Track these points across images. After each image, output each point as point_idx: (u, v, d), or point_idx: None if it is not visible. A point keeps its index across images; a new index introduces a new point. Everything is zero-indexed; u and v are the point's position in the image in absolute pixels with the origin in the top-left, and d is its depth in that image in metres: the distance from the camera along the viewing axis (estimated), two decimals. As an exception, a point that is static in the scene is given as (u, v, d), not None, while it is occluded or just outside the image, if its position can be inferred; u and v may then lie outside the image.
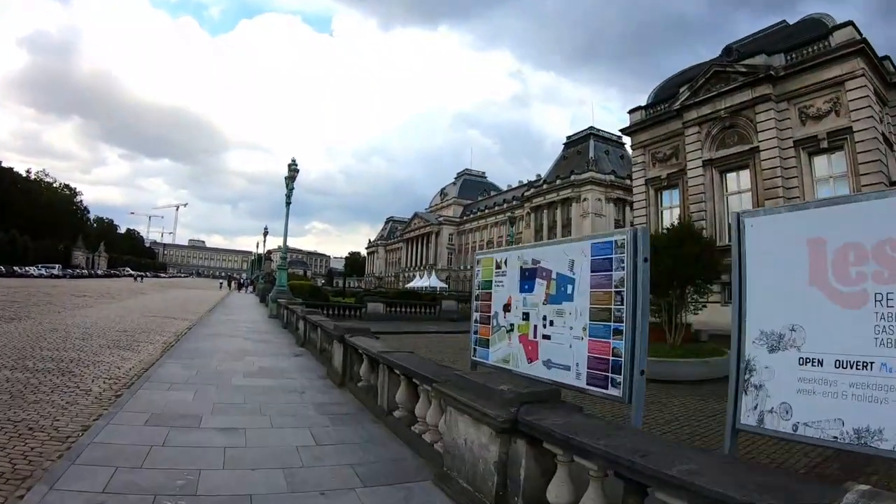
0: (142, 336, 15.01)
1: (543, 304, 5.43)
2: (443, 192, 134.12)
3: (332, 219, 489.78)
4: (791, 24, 33.02)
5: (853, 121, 25.32)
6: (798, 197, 27.30)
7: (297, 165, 25.63)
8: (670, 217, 33.52)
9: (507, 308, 6.12)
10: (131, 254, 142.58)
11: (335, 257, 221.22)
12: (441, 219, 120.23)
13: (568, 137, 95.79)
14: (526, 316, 5.69)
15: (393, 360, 6.94)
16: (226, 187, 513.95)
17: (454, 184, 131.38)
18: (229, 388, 8.97)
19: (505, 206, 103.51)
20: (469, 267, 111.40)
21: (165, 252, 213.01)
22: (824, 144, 26.59)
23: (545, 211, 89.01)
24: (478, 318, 6.81)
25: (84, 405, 7.08)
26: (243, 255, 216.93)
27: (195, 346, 13.46)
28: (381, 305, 27.06)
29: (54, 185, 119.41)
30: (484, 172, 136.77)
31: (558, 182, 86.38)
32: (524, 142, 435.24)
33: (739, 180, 30.00)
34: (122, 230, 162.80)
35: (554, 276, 5.32)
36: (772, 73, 27.66)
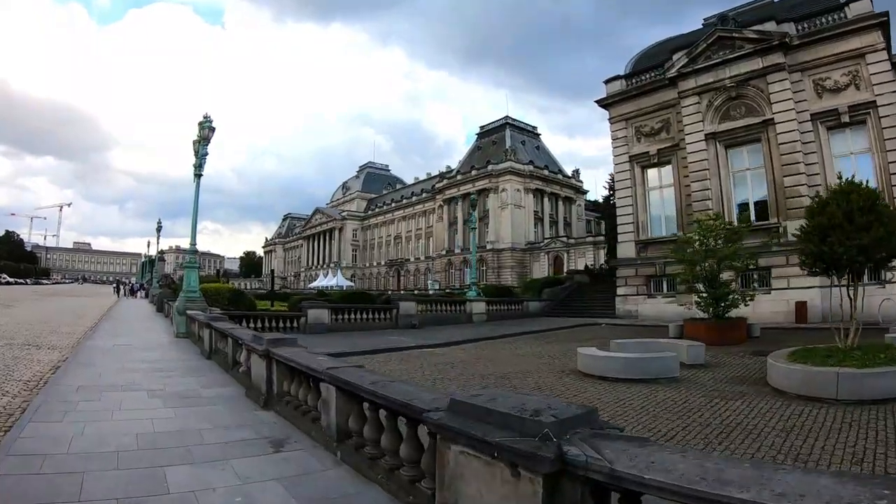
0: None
1: None
2: (345, 186, 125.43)
3: (224, 218, 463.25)
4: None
5: (877, 95, 23.18)
6: (818, 174, 24.34)
7: (211, 123, 17.95)
8: (660, 198, 28.87)
9: None
10: (9, 258, 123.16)
11: (229, 257, 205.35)
12: (344, 214, 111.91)
13: (482, 127, 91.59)
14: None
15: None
16: (112, 187, 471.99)
17: (357, 177, 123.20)
18: None
19: (414, 199, 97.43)
20: (377, 264, 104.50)
21: (49, 256, 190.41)
22: (846, 119, 24.04)
23: (459, 203, 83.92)
24: None
25: None
26: (132, 257, 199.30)
27: (47, 434, 5.85)
28: (326, 313, 19.86)
29: None
30: (388, 165, 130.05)
31: (473, 172, 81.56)
32: (416, 139, 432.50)
33: (748, 155, 25.97)
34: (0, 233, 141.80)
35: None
36: (786, 41, 24.65)
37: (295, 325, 19.15)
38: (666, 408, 7.74)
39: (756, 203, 26.37)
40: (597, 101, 31.45)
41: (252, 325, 17.06)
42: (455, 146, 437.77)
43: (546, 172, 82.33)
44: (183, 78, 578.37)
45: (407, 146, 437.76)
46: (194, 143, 18.06)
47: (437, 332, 20.61)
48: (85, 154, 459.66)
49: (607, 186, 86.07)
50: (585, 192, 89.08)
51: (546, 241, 76.48)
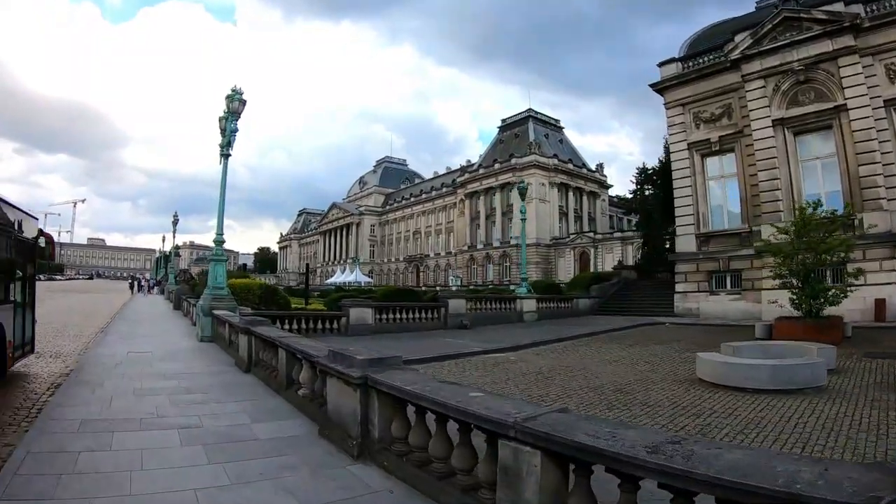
0: None
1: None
2: (362, 181, 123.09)
3: (236, 214, 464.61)
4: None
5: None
6: (894, 163, 22.08)
7: (241, 95, 15.63)
8: (722, 188, 26.41)
9: None
10: None
11: (243, 253, 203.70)
12: (362, 208, 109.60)
13: (503, 120, 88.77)
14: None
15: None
16: (125, 183, 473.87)
17: (374, 172, 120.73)
18: None
19: (434, 193, 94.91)
20: (395, 259, 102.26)
21: (62, 252, 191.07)
22: (920, 106, 21.80)
23: (482, 197, 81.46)
24: None
25: None
26: (146, 252, 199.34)
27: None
28: (370, 312, 17.45)
29: None
30: (405, 160, 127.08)
31: (497, 166, 78.93)
32: (427, 136, 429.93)
33: (818, 143, 23.82)
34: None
35: None
36: (857, 22, 22.39)
37: (335, 326, 16.80)
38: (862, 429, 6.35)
39: (828, 194, 23.99)
40: (651, 85, 28.89)
41: (287, 326, 14.87)
42: (466, 142, 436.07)
43: (570, 166, 79.66)
44: (194, 75, 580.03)
45: (418, 143, 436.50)
46: (220, 119, 15.83)
47: (492, 333, 18.34)
48: (98, 151, 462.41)
49: (634, 181, 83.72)
50: (609, 187, 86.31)
51: (572, 236, 73.86)
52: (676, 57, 29.01)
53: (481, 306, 21.91)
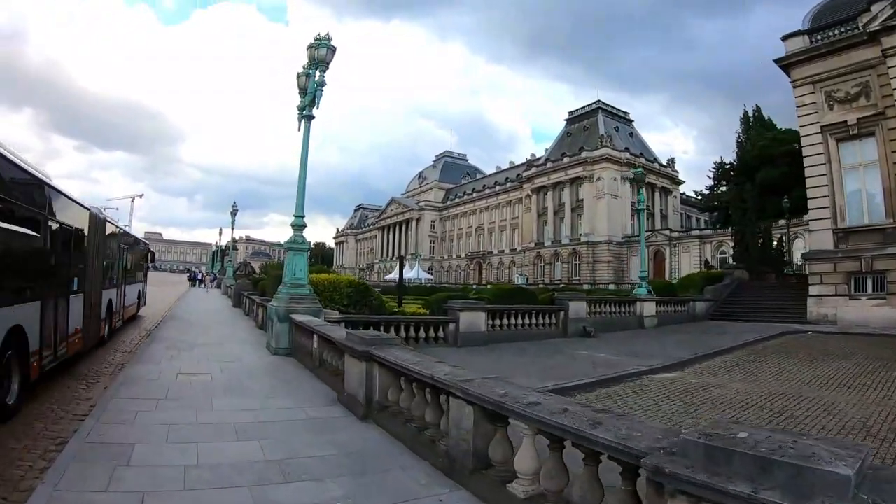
0: None
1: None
2: (421, 176, 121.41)
3: (289, 210, 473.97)
4: None
5: None
6: None
7: (330, 41, 12.94)
8: (861, 177, 23.10)
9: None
10: None
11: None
12: (422, 203, 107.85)
13: (570, 113, 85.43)
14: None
15: None
16: (182, 178, 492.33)
17: (434, 167, 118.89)
18: None
19: (498, 188, 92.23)
20: (456, 256, 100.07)
21: None
22: None
23: (549, 192, 78.36)
24: None
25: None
26: (202, 247, 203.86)
27: None
28: (483, 317, 15.13)
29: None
30: (465, 155, 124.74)
31: (566, 160, 75.66)
32: (478, 133, 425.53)
33: None
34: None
35: None
36: None
37: (440, 334, 14.48)
38: None
39: None
40: (776, 61, 25.71)
41: (386, 331, 12.60)
42: (518, 139, 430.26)
43: (643, 160, 75.68)
44: (246, 73, 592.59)
45: (469, 140, 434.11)
46: (299, 76, 13.23)
47: (623, 343, 15.94)
48: (154, 147, 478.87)
49: (711, 176, 79.56)
50: (681, 183, 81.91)
51: (647, 233, 69.84)
52: (802, 29, 25.72)
53: (600, 310, 19.24)
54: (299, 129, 13.20)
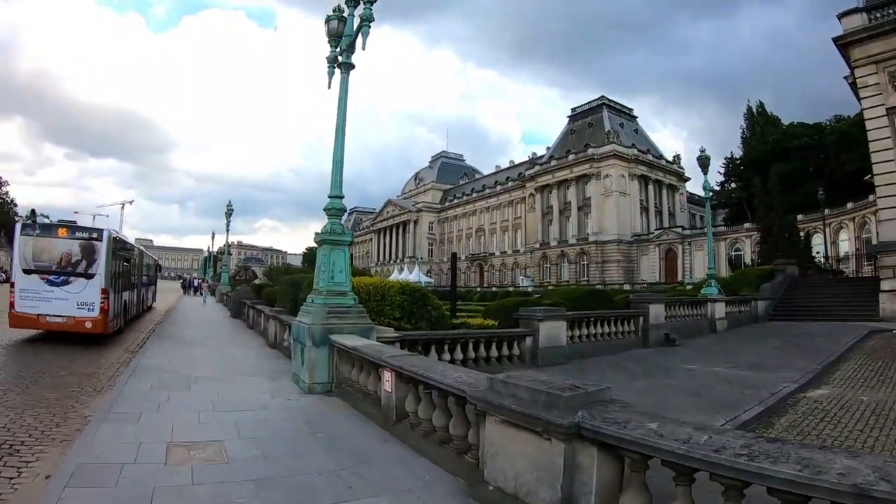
0: None
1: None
2: (417, 177, 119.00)
3: (281, 216, 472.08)
4: None
5: None
6: None
7: None
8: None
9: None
10: None
11: (291, 253, 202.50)
12: (419, 205, 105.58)
13: (573, 109, 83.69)
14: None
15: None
16: (173, 186, 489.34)
17: (430, 167, 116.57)
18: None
19: (498, 188, 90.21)
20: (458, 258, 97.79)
21: None
22: None
23: (554, 191, 76.48)
24: None
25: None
26: (193, 253, 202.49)
27: None
28: (563, 328, 13.44)
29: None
30: (462, 155, 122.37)
31: (571, 157, 73.80)
32: (470, 137, 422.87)
33: None
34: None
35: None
36: None
37: (514, 351, 11.88)
38: None
39: None
40: (834, 40, 23.79)
41: (448, 355, 10.17)
42: (510, 143, 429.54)
43: (650, 157, 74.07)
44: (237, 80, 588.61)
45: (460, 143, 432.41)
46: (328, 20, 9.85)
47: (716, 352, 13.95)
48: (146, 155, 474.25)
49: (722, 172, 77.94)
50: (687, 180, 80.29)
51: (657, 232, 68.25)
52: (859, 7, 23.93)
53: (675, 313, 17.09)
54: (330, 87, 10.09)
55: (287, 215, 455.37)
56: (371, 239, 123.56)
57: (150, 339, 15.37)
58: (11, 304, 13.41)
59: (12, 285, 13.65)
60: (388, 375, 6.45)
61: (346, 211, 10.54)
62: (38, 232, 14.17)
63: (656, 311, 15.49)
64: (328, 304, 9.07)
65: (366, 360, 7.31)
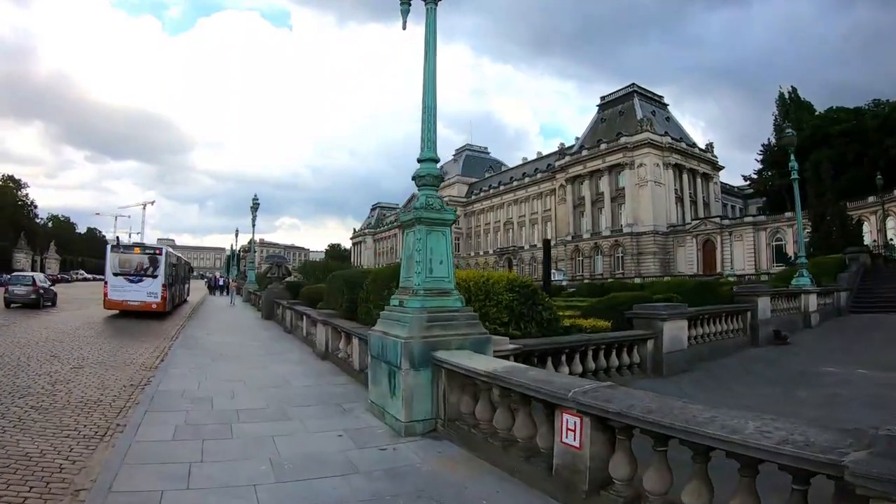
0: None
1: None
2: (441, 171, 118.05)
3: (300, 214, 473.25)
4: None
5: None
6: None
7: None
8: None
9: None
10: (90, 255, 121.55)
11: (313, 251, 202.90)
12: (445, 199, 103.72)
13: (602, 98, 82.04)
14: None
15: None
16: (192, 186, 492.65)
17: (455, 161, 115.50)
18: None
19: (527, 180, 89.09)
20: (484, 252, 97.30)
21: None
22: None
23: (586, 181, 75.09)
24: None
25: None
26: (215, 252, 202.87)
27: None
28: (684, 328, 12.30)
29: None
30: (486, 148, 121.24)
31: (603, 147, 72.37)
32: (487, 132, 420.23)
33: None
34: (84, 230, 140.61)
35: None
36: None
37: (634, 358, 10.32)
38: None
39: None
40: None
41: (568, 368, 8.65)
42: (526, 137, 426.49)
43: (683, 145, 72.55)
44: (253, 79, 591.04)
45: (478, 139, 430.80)
46: None
47: (835, 350, 12.97)
48: (165, 156, 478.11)
49: (759, 159, 76.05)
50: (721, 168, 78.55)
51: (694, 222, 66.71)
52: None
53: (776, 306, 16.09)
54: (404, 27, 7.92)
55: (305, 213, 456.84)
56: (395, 234, 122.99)
57: (169, 352, 12.61)
58: (105, 294, 21.91)
59: (105, 283, 22.24)
60: (573, 422, 4.23)
61: (442, 179, 8.57)
62: (121, 250, 23.32)
63: (764, 305, 14.41)
64: (427, 309, 6.70)
65: (516, 392, 4.99)
